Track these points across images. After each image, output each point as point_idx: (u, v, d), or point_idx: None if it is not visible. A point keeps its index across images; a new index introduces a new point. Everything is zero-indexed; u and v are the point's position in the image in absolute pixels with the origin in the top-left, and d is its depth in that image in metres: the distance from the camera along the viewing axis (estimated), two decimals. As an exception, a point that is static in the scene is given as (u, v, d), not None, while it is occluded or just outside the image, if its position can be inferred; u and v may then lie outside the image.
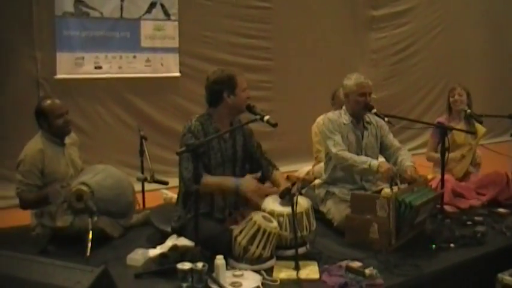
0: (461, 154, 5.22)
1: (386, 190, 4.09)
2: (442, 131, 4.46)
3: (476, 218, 4.58)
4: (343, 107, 4.74)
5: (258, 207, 3.80)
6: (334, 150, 4.50)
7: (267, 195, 3.94)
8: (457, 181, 5.17)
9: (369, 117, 4.72)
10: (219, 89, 3.93)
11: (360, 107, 4.58)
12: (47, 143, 4.25)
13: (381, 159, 4.81)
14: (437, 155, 5.33)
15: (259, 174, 3.97)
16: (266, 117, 3.80)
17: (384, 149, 4.78)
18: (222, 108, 3.98)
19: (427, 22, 10.03)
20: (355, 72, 4.72)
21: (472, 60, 10.62)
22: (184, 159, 3.80)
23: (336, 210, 4.46)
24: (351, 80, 4.60)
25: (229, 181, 3.85)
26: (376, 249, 3.86)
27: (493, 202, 5.06)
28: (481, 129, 5.43)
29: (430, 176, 4.99)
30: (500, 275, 3.80)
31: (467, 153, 5.40)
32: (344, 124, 4.61)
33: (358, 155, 4.58)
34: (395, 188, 4.07)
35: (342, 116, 4.66)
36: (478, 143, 5.56)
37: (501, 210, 4.86)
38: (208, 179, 3.78)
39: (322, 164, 5.15)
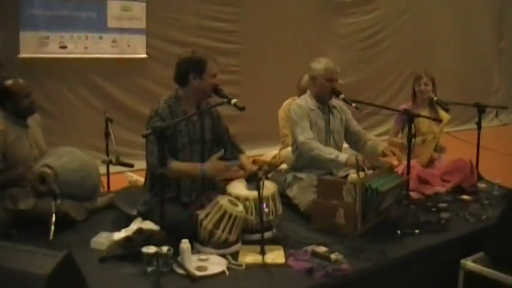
0: (422, 139, 5.24)
1: (353, 175, 4.10)
2: (409, 118, 4.47)
3: (441, 205, 4.63)
4: (308, 91, 4.74)
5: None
6: (301, 138, 4.49)
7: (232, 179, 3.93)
8: (422, 168, 5.21)
9: (333, 101, 4.73)
10: (186, 70, 3.90)
11: (325, 92, 4.59)
12: (9, 124, 4.13)
13: (345, 145, 4.84)
14: (400, 140, 5.38)
15: (221, 152, 3.92)
16: (233, 101, 3.78)
17: (349, 134, 4.81)
18: (188, 90, 3.95)
19: (395, 9, 10.10)
20: (324, 57, 4.72)
21: (439, 47, 10.72)
22: (150, 142, 3.76)
23: (302, 195, 4.45)
24: (321, 64, 4.60)
25: (194, 168, 3.81)
26: (342, 234, 3.87)
27: (458, 189, 5.12)
28: (445, 116, 5.47)
29: (395, 163, 5.01)
30: (463, 261, 3.85)
31: (431, 140, 5.44)
32: (312, 110, 4.61)
33: (326, 140, 4.63)
34: (361, 174, 4.08)
35: (308, 102, 4.65)
36: (442, 130, 5.61)
37: (465, 197, 4.92)
38: (174, 166, 3.75)
39: (289, 148, 5.16)
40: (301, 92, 5.50)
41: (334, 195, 4.02)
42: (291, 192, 4.59)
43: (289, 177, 4.69)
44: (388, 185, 4.05)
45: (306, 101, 4.67)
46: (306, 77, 5.23)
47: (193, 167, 3.83)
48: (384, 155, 4.40)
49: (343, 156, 4.34)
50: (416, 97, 5.50)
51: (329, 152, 4.40)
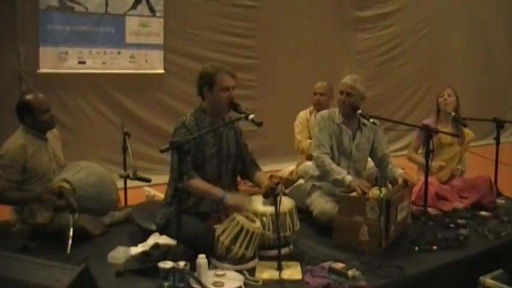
0: (440, 165, 5.18)
1: (375, 191, 4.08)
2: (427, 133, 4.45)
3: (459, 221, 4.61)
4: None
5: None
6: (315, 153, 4.57)
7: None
8: (440, 184, 5.17)
9: (365, 120, 4.71)
10: (200, 84, 3.96)
11: (340, 105, 4.61)
12: (29, 138, 4.18)
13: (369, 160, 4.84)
14: (419, 159, 5.34)
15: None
16: (251, 116, 3.76)
17: (374, 156, 4.79)
18: (206, 104, 3.98)
19: (413, 24, 10.07)
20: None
21: (457, 62, 10.67)
22: (172, 155, 3.77)
23: (317, 201, 4.50)
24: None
25: (215, 192, 3.78)
26: (359, 251, 3.84)
27: (476, 205, 5.08)
28: (468, 134, 5.44)
29: (415, 177, 4.98)
30: (482, 278, 3.82)
31: (453, 157, 5.40)
32: (337, 124, 4.62)
33: (345, 154, 4.62)
34: (384, 190, 4.06)
35: (336, 115, 4.67)
36: (466, 148, 5.57)
37: (484, 213, 4.88)
38: (196, 184, 3.76)
39: (307, 163, 5.19)
40: (314, 99, 5.63)
41: (357, 211, 4.01)
42: (309, 200, 4.62)
43: (309, 185, 4.73)
44: (396, 194, 4.06)
45: (334, 112, 4.70)
46: (319, 84, 5.77)
47: (214, 192, 3.79)
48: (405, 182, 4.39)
49: (348, 178, 4.36)
50: (440, 112, 5.45)
51: (338, 172, 4.43)
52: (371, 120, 4.48)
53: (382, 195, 3.94)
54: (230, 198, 3.74)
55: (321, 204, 4.44)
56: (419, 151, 5.48)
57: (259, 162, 4.30)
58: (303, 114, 5.98)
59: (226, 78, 3.90)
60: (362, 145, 4.69)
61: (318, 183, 4.64)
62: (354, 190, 4.22)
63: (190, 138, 3.69)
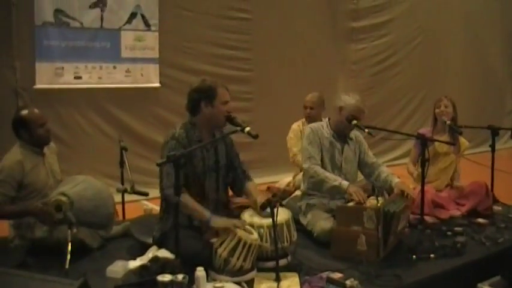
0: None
1: (372, 201, 4.09)
2: (423, 142, 4.47)
3: (456, 229, 4.62)
4: (327, 119, 4.74)
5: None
6: (306, 165, 4.57)
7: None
8: (437, 192, 5.18)
9: (351, 132, 4.74)
10: (198, 98, 3.95)
11: (344, 127, 4.62)
12: (26, 154, 4.19)
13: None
14: (415, 172, 5.35)
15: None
16: (247, 129, 3.77)
17: (363, 166, 4.80)
18: (200, 118, 3.98)
19: (407, 33, 10.11)
20: (357, 95, 4.68)
21: (451, 71, 10.72)
22: (164, 169, 3.78)
23: (315, 221, 4.46)
24: (353, 101, 4.58)
25: (202, 213, 3.77)
26: (357, 260, 3.85)
27: (473, 212, 5.10)
28: (464, 143, 5.46)
29: (411, 186, 5.00)
30: (480, 285, 3.83)
31: (448, 166, 5.41)
32: (326, 137, 4.63)
33: (337, 167, 4.64)
34: (381, 199, 4.07)
35: (324, 129, 4.67)
36: (461, 156, 5.58)
37: (481, 220, 4.90)
38: (185, 200, 3.72)
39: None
40: (305, 112, 5.64)
41: (355, 221, 4.01)
42: (305, 220, 4.60)
43: (303, 205, 4.69)
44: (400, 206, 4.06)
45: (322, 127, 4.69)
46: (309, 97, 5.85)
47: (201, 213, 3.78)
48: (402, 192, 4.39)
49: (345, 183, 4.38)
50: (437, 122, 5.45)
51: (333, 179, 4.44)
52: (366, 130, 4.49)
53: (379, 205, 3.96)
54: (216, 221, 3.72)
55: (320, 223, 4.40)
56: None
57: (255, 174, 4.32)
58: (295, 126, 5.99)
59: (225, 92, 3.97)
60: (350, 158, 4.72)
61: (311, 201, 4.64)
62: (351, 197, 4.23)
63: (186, 151, 3.68)
